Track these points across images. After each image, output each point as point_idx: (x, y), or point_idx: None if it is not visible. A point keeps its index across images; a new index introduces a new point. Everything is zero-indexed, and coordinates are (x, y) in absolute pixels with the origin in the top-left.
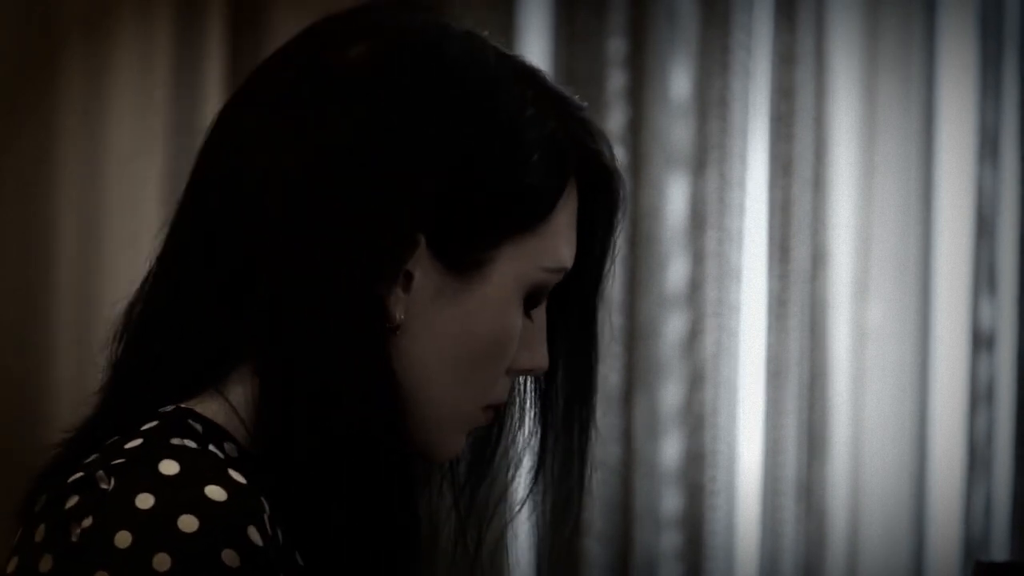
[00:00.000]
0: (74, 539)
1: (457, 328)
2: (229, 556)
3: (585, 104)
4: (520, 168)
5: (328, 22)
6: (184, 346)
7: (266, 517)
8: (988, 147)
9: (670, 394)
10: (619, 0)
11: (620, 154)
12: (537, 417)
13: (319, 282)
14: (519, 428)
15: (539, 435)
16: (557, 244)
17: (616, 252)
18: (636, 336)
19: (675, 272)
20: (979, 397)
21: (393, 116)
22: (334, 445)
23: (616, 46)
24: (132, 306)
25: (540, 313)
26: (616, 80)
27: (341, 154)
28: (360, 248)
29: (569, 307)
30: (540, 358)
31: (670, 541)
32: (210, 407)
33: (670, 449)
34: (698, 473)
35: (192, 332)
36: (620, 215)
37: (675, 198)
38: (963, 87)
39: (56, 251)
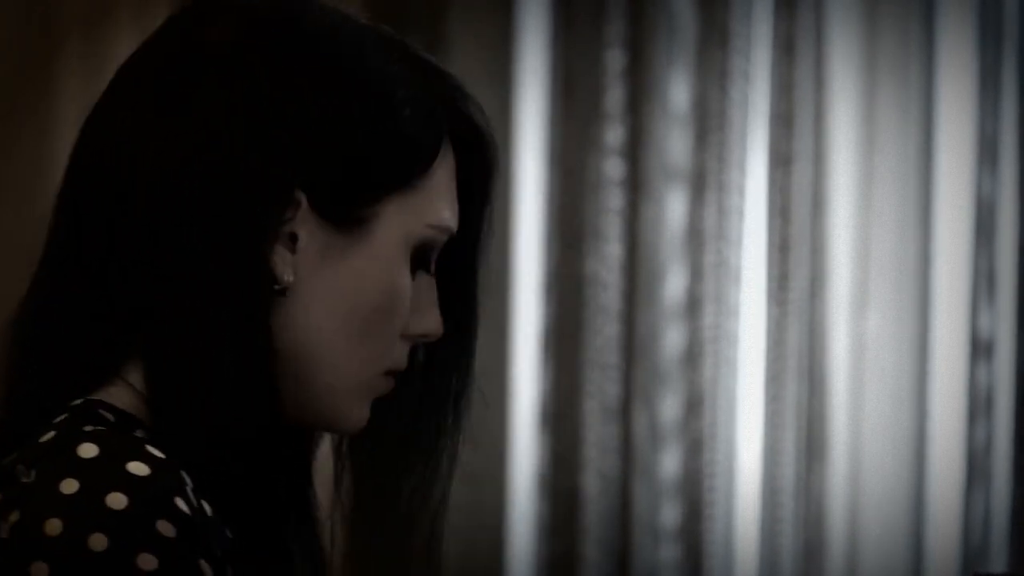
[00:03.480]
0: (4, 535)
1: (346, 286)
2: (164, 527)
3: (447, 67)
4: (391, 121)
5: (186, 7)
6: (79, 337)
7: (189, 489)
8: (987, 154)
9: (669, 406)
10: (617, 12)
11: (619, 165)
12: (420, 391)
13: (200, 252)
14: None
15: (417, 409)
16: (439, 203)
17: (491, 223)
18: (635, 347)
19: (673, 283)
20: (978, 405)
21: (258, 83)
22: (219, 420)
23: (614, 57)
24: (17, 320)
25: (430, 280)
26: (615, 92)
27: (211, 126)
28: (238, 211)
29: (450, 277)
30: (434, 322)
31: (669, 552)
32: (117, 395)
33: (669, 461)
34: (697, 484)
35: (85, 322)
36: (494, 181)
37: (674, 209)
38: (962, 95)
39: None
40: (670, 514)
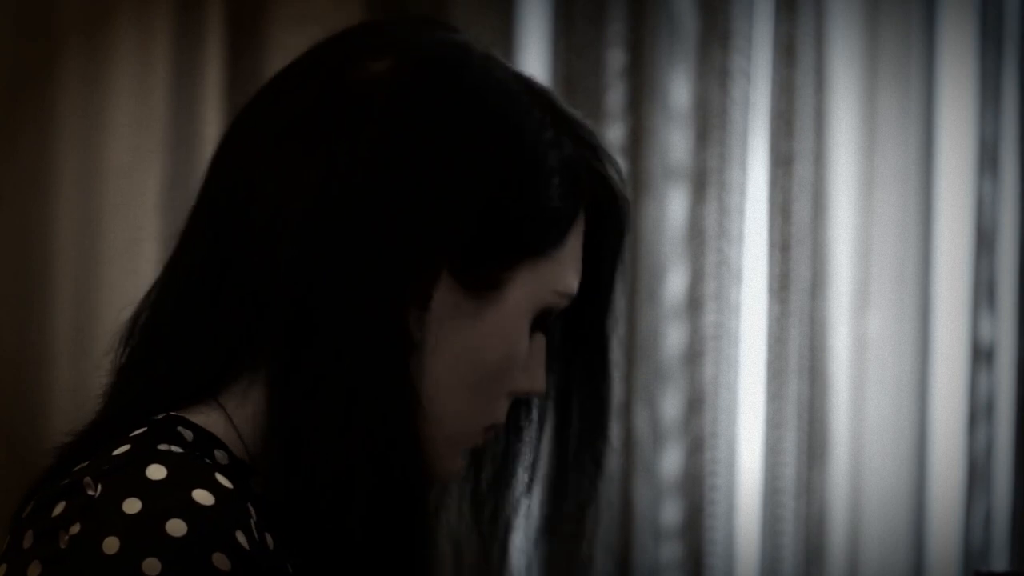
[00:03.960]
0: (62, 546)
1: (470, 346)
2: (219, 559)
3: (592, 125)
4: (541, 191)
5: (348, 35)
6: (185, 356)
7: (252, 523)
8: (988, 160)
9: (670, 405)
10: (618, 12)
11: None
12: (554, 441)
13: (343, 298)
14: (537, 450)
15: (555, 458)
16: (568, 270)
17: (619, 282)
18: (636, 346)
19: (674, 282)
20: (979, 410)
21: (417, 135)
22: (355, 461)
23: (615, 57)
24: (138, 314)
25: (542, 339)
26: (615, 91)
27: (363, 171)
28: (386, 271)
29: (581, 333)
30: (539, 381)
31: (670, 552)
32: (204, 416)
33: (670, 460)
34: (698, 483)
35: (195, 343)
36: (625, 242)
37: (675, 208)
38: (963, 100)
39: (53, 259)
40: (671, 513)
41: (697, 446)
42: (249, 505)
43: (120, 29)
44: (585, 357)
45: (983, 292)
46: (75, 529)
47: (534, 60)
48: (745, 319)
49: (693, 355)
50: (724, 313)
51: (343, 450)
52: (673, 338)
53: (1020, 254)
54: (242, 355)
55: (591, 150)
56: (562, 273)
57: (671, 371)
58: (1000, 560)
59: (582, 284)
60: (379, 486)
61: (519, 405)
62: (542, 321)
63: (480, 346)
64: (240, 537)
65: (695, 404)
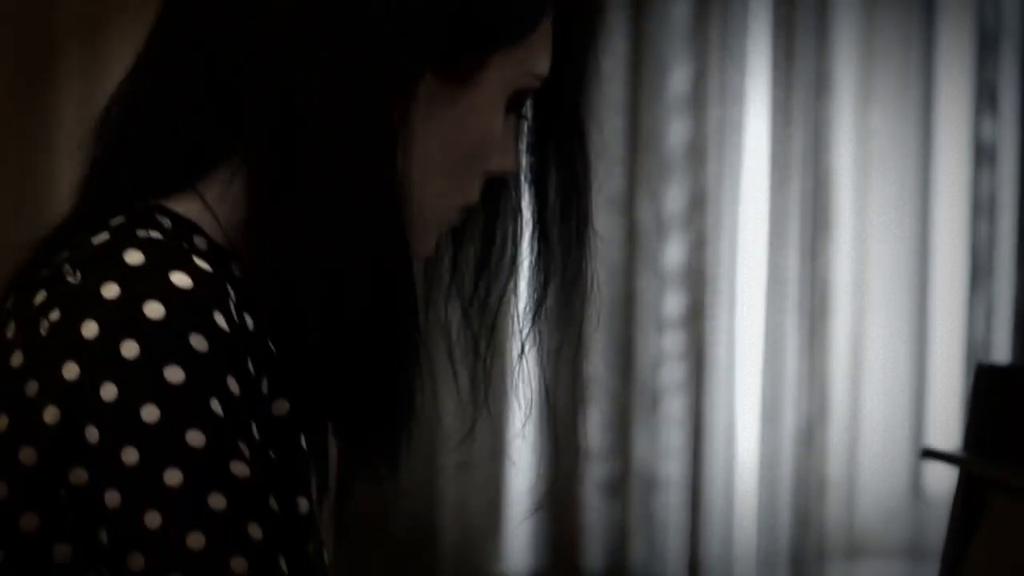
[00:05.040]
0: (43, 332)
1: (447, 131)
2: (197, 340)
3: None
4: None
5: None
6: (164, 148)
7: (232, 304)
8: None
9: (673, 199)
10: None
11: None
12: (535, 218)
13: (330, 88)
14: (519, 234)
15: (537, 238)
16: (540, 53)
17: (599, 58)
18: (639, 139)
19: (679, 76)
20: (981, 206)
21: None
22: (342, 245)
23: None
24: (108, 109)
25: (513, 120)
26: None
27: None
28: (371, 60)
29: (556, 114)
30: (511, 161)
31: (673, 342)
32: (183, 205)
33: (673, 253)
34: (700, 277)
35: (174, 134)
36: (598, 21)
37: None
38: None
39: None
40: (673, 305)
41: (700, 241)
42: (228, 287)
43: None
44: (561, 137)
45: (985, 94)
46: (54, 316)
47: None
48: (750, 112)
49: (697, 150)
50: (729, 107)
51: (331, 235)
52: (677, 133)
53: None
54: (223, 147)
55: None
56: (534, 56)
57: (674, 165)
58: (1002, 353)
59: (557, 65)
60: (366, 268)
61: (499, 189)
62: (516, 103)
63: (457, 129)
64: (219, 318)
65: (698, 199)
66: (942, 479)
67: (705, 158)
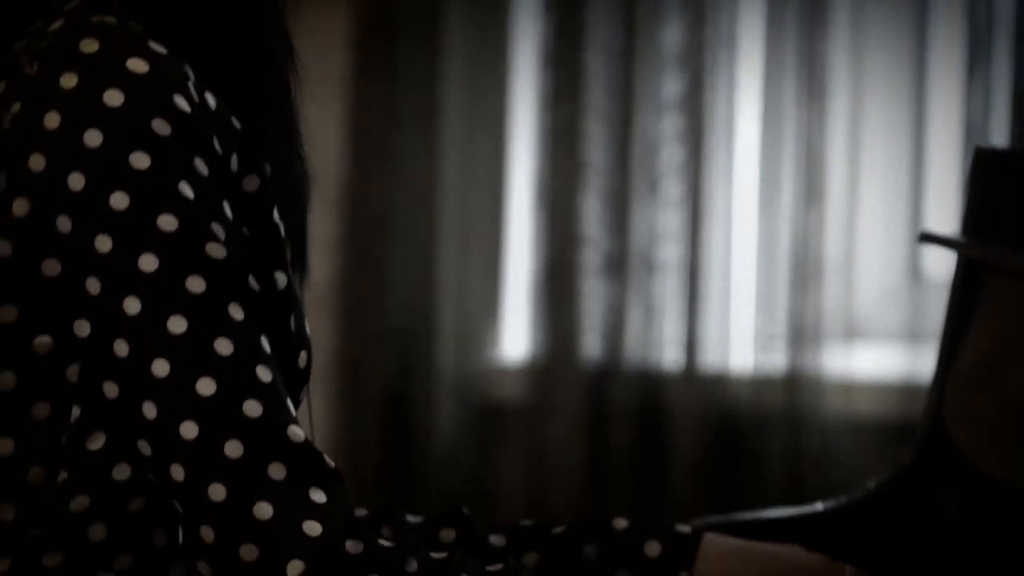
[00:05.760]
0: (5, 126)
1: None
2: (159, 125)
3: None
4: None
5: None
6: None
7: (191, 84)
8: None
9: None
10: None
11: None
12: None
13: None
14: None
15: None
16: None
17: None
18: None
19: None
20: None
21: None
22: None
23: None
24: None
25: None
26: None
27: None
28: None
29: None
30: None
31: (671, 124)
32: None
33: (671, 33)
34: (698, 56)
35: None
36: None
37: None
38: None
39: None
40: (671, 87)
41: (698, 19)
42: (187, 68)
43: None
44: None
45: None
46: (16, 108)
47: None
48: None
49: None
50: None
51: None
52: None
53: None
54: None
55: None
56: None
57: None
58: (1000, 137)
59: None
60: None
61: None
62: None
63: None
64: (179, 100)
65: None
66: (940, 263)
67: None
